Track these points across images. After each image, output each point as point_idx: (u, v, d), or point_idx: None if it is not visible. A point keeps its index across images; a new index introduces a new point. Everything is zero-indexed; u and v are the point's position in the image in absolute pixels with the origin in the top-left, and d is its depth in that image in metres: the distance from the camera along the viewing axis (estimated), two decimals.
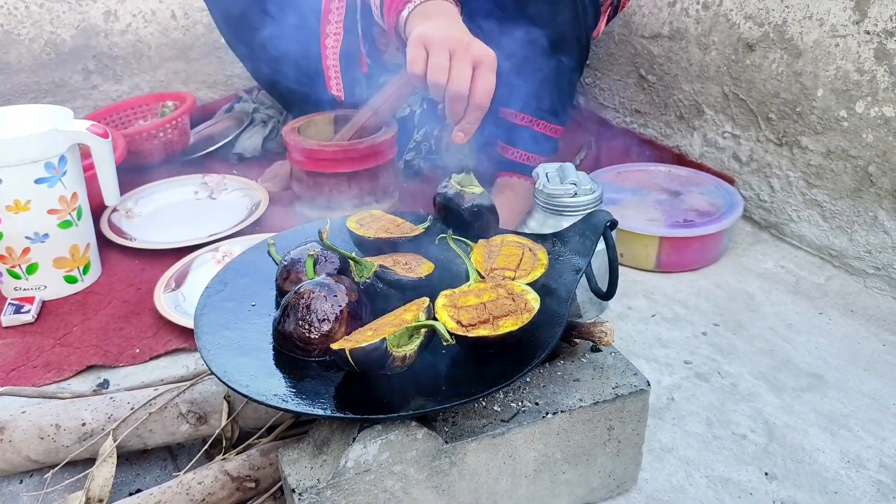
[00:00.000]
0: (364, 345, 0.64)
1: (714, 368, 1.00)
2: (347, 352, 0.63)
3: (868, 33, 1.08)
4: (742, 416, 0.91)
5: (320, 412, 0.63)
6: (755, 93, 1.27)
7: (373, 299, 0.76)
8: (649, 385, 0.75)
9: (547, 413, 0.71)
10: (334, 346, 0.65)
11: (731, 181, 1.35)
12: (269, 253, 0.83)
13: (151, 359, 1.02)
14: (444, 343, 0.65)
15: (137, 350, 1.03)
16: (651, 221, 1.20)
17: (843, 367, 0.99)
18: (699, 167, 1.41)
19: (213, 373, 0.68)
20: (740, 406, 0.93)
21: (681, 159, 1.46)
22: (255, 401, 0.65)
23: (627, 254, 1.20)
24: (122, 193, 1.39)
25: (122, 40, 1.70)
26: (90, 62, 1.68)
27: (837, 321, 1.09)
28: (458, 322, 0.68)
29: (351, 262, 0.78)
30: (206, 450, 0.81)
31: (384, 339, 0.64)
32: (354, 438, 0.64)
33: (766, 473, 0.83)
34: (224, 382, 0.67)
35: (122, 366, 1.01)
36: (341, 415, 0.63)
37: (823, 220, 1.20)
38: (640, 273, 1.21)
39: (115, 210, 1.35)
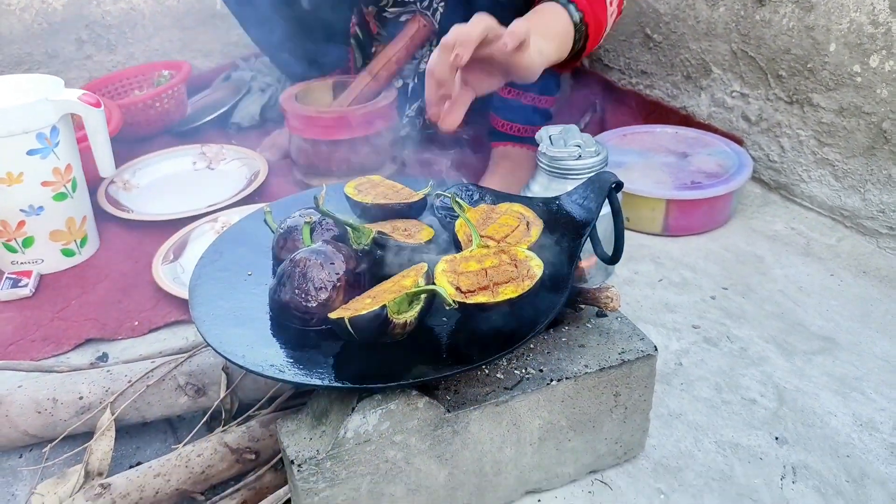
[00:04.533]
0: (363, 312, 0.62)
1: (723, 333, 0.98)
2: (346, 320, 0.62)
3: None
4: (752, 381, 0.89)
5: (318, 382, 0.62)
6: (765, 49, 1.23)
7: (371, 266, 0.74)
8: (656, 350, 0.73)
9: (551, 380, 0.69)
10: (332, 316, 0.64)
11: (739, 142, 1.32)
12: (265, 221, 0.81)
13: (150, 331, 1.01)
14: (446, 307, 0.63)
15: (136, 323, 1.02)
16: (658, 184, 1.17)
17: (855, 329, 0.97)
18: (707, 128, 1.37)
19: (208, 344, 0.67)
20: (750, 370, 0.91)
21: (688, 120, 1.42)
22: (252, 371, 0.63)
23: (634, 217, 1.18)
24: (118, 165, 1.37)
25: (114, 9, 1.66)
26: (83, 32, 1.65)
27: (849, 283, 1.06)
28: (458, 288, 0.66)
29: (348, 229, 0.76)
30: (205, 422, 0.80)
31: (384, 306, 0.62)
32: (353, 408, 0.63)
33: (777, 438, 0.81)
34: (219, 353, 0.65)
35: (121, 339, 1.00)
36: (339, 384, 0.62)
37: (835, 180, 1.17)
38: (647, 237, 1.18)
39: (112, 182, 1.33)
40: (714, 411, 0.85)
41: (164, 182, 1.38)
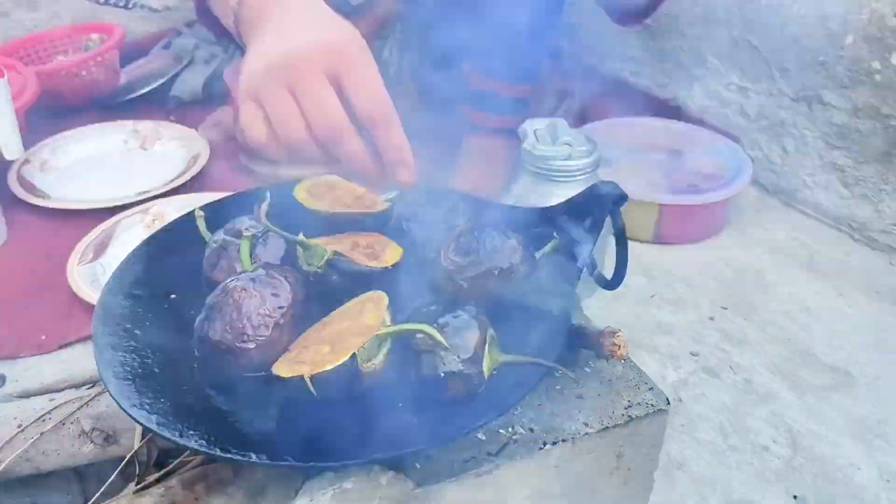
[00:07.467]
0: (328, 368, 0.49)
1: (724, 361, 0.86)
2: (308, 379, 0.48)
3: None
4: (760, 422, 0.78)
5: (253, 458, 0.48)
6: (771, 39, 1.11)
7: (325, 293, 0.60)
8: (669, 403, 0.60)
9: (544, 443, 0.56)
10: (283, 373, 0.50)
11: (735, 139, 1.20)
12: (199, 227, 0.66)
13: (60, 347, 0.85)
14: (440, 360, 0.50)
15: (43, 336, 0.85)
16: (651, 186, 1.05)
17: (870, 360, 0.87)
18: (699, 122, 1.25)
19: (113, 398, 0.52)
20: (757, 409, 0.80)
21: (678, 112, 1.30)
22: (167, 439, 0.49)
23: None
24: (36, 141, 1.21)
25: None
26: None
27: (861, 304, 0.96)
28: None
29: (298, 247, 0.61)
30: (119, 473, 0.66)
31: (353, 356, 0.49)
32: (298, 490, 0.49)
33: (795, 497, 0.70)
34: (126, 412, 0.51)
35: (24, 356, 0.84)
36: (281, 462, 0.48)
37: (844, 187, 1.07)
38: (636, 244, 1.06)
39: (26, 162, 1.15)
40: (720, 460, 0.74)
41: (90, 163, 1.20)
